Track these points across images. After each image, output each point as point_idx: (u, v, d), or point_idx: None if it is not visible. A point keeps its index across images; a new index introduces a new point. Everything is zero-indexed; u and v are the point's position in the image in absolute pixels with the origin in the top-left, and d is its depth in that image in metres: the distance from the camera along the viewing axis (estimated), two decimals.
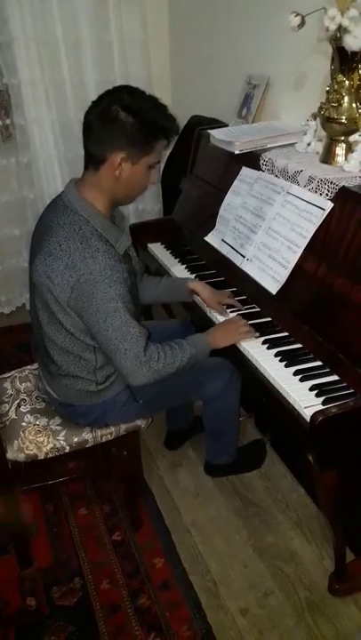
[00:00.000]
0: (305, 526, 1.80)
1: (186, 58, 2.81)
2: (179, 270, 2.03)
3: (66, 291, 1.32)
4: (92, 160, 1.35)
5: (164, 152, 2.74)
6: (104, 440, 1.61)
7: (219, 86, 2.54)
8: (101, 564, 1.72)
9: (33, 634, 1.54)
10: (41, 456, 1.55)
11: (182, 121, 2.66)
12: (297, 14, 1.53)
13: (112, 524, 1.85)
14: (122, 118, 1.29)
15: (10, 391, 1.70)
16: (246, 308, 1.71)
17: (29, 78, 2.61)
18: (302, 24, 1.54)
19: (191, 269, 2.01)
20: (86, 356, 1.47)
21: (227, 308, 1.72)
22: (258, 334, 1.55)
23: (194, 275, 1.96)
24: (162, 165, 2.95)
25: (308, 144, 1.77)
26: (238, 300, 1.74)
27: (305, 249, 1.52)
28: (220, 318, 1.70)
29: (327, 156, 1.65)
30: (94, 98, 1.36)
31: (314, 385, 1.33)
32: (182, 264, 2.06)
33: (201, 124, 2.38)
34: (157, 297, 1.81)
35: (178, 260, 2.10)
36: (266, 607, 1.58)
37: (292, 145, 1.86)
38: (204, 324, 1.73)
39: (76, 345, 1.45)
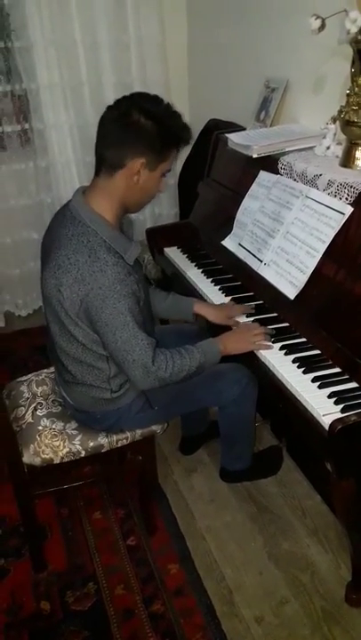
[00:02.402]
0: (321, 534, 1.78)
1: (204, 60, 2.81)
2: (195, 274, 2.02)
3: (75, 304, 1.32)
4: (107, 165, 1.34)
5: (182, 155, 2.77)
6: (120, 445, 1.61)
7: (237, 89, 2.53)
8: (116, 569, 1.71)
9: (47, 638, 1.54)
10: (57, 460, 1.55)
11: (199, 124, 2.66)
12: (317, 17, 1.52)
13: (127, 528, 1.85)
14: (143, 123, 1.29)
15: (26, 394, 1.70)
16: (258, 310, 1.69)
17: (48, 82, 2.62)
18: (323, 27, 1.53)
19: (208, 274, 2.00)
20: (99, 365, 1.47)
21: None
22: (272, 345, 1.52)
23: (210, 279, 1.95)
24: (178, 169, 2.95)
25: (328, 147, 1.75)
26: (255, 305, 1.73)
27: (324, 254, 1.51)
28: None
29: (347, 160, 1.64)
30: (112, 101, 1.35)
31: (333, 392, 1.31)
32: (198, 268, 2.05)
33: (218, 128, 2.37)
34: (162, 313, 1.80)
35: (194, 264, 2.09)
36: (281, 616, 1.56)
37: (310, 148, 1.84)
38: (220, 328, 1.72)
39: (89, 355, 1.45)
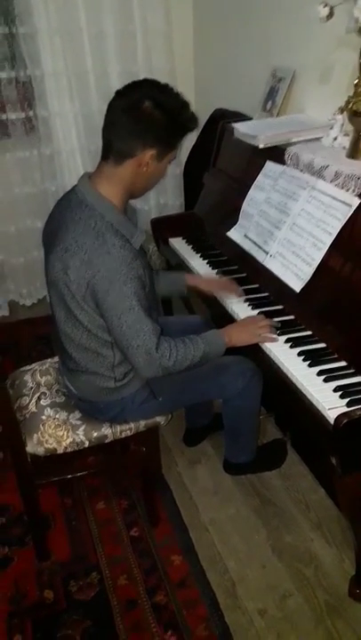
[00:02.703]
0: (325, 528, 1.78)
1: (210, 50, 2.77)
2: (200, 265, 2.00)
3: (82, 286, 1.32)
4: (116, 152, 1.33)
5: (187, 145, 2.74)
6: (123, 436, 1.61)
7: (243, 79, 2.50)
8: (119, 560, 1.72)
9: (49, 627, 1.55)
10: (60, 450, 1.55)
11: (205, 114, 2.64)
12: (326, 5, 1.50)
13: (130, 519, 1.85)
14: (155, 115, 1.28)
15: (30, 384, 1.70)
16: (263, 302, 1.68)
17: (53, 70, 2.60)
18: (331, 15, 1.51)
19: (213, 265, 1.98)
20: (104, 352, 1.47)
21: (247, 303, 1.71)
22: (278, 338, 1.51)
23: (215, 270, 1.94)
24: (183, 159, 2.92)
25: (335, 138, 1.73)
26: (260, 298, 1.72)
27: (330, 246, 1.49)
28: (241, 315, 1.67)
29: (354, 151, 1.62)
30: (117, 89, 1.34)
31: (338, 386, 1.30)
32: (203, 259, 2.04)
33: (224, 118, 2.35)
34: (157, 291, 1.77)
35: (199, 254, 2.07)
36: (284, 609, 1.56)
37: (317, 139, 1.82)
38: (225, 320, 1.71)
39: (94, 341, 1.44)
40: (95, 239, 1.29)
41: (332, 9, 1.49)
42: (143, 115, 1.28)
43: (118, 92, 1.33)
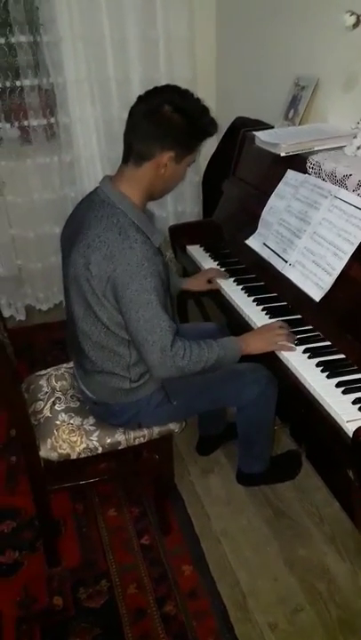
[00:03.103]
0: (339, 542, 1.74)
1: (232, 57, 2.78)
2: None
3: (103, 281, 1.33)
4: (135, 155, 1.37)
5: (207, 153, 2.74)
6: (137, 443, 1.60)
7: (265, 87, 2.49)
8: (129, 568, 1.70)
9: (58, 633, 1.54)
10: (73, 456, 1.54)
11: (226, 122, 2.63)
12: (352, 13, 1.49)
13: (141, 527, 1.83)
14: (174, 119, 1.32)
15: (45, 389, 1.70)
16: (282, 311, 1.66)
17: (75, 77, 2.62)
18: (357, 23, 1.50)
19: (230, 273, 1.97)
20: (120, 351, 1.46)
21: (260, 306, 1.71)
22: (295, 347, 1.50)
23: (233, 279, 1.92)
24: (203, 167, 2.92)
25: (358, 147, 1.72)
26: (278, 307, 1.70)
27: (351, 256, 1.47)
28: (258, 324, 1.66)
29: None
30: (139, 95, 1.37)
31: (358, 398, 1.28)
32: (221, 267, 2.02)
33: (245, 126, 2.34)
34: None
35: (217, 262, 2.06)
36: (296, 624, 1.53)
37: (340, 148, 1.80)
38: (241, 327, 1.70)
39: (111, 339, 1.44)
40: (118, 234, 1.31)
41: (358, 17, 1.49)
42: (162, 118, 1.32)
43: (140, 97, 1.37)
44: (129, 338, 1.43)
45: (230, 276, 1.95)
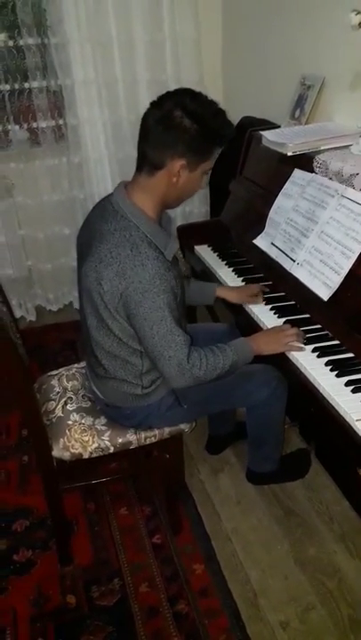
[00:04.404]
0: (349, 541, 1.75)
1: (238, 58, 2.78)
2: (225, 273, 2.00)
3: (115, 297, 1.32)
4: (148, 164, 1.33)
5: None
6: (148, 442, 1.61)
7: (271, 87, 2.50)
8: (141, 567, 1.72)
9: (72, 632, 1.55)
10: (85, 455, 1.56)
11: (233, 122, 2.62)
12: (358, 12, 1.49)
13: (152, 526, 1.85)
14: (186, 125, 1.27)
15: (57, 389, 1.71)
16: (290, 311, 1.67)
17: (83, 79, 2.63)
18: None
19: (238, 272, 1.98)
20: (133, 360, 1.47)
21: (269, 305, 1.72)
22: (305, 347, 1.50)
23: (241, 278, 1.94)
24: None
25: None
26: (287, 306, 1.71)
27: (359, 255, 1.47)
28: (266, 323, 1.66)
29: None
30: (146, 98, 1.35)
31: None
32: (229, 267, 2.03)
33: (252, 126, 2.35)
34: (186, 299, 1.77)
35: (225, 262, 2.07)
36: (307, 622, 1.54)
37: (347, 147, 1.81)
38: (250, 327, 1.70)
39: (124, 350, 1.45)
40: (130, 250, 1.29)
41: None
42: (173, 124, 1.27)
43: (152, 103, 1.32)
44: (141, 349, 1.44)
45: (238, 276, 1.96)
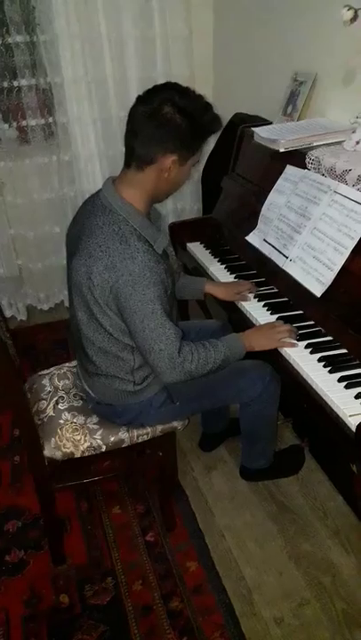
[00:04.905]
0: (343, 536, 1.75)
1: (230, 54, 2.78)
2: (218, 270, 2.00)
3: (105, 290, 1.32)
4: (137, 159, 1.32)
5: (206, 149, 2.73)
6: (140, 440, 1.60)
7: (263, 83, 2.49)
8: (134, 565, 1.71)
9: (65, 631, 1.54)
10: (77, 454, 1.55)
11: (224, 118, 2.62)
12: (350, 7, 1.49)
13: (146, 524, 1.84)
14: (177, 121, 1.26)
15: (48, 388, 1.70)
16: (283, 307, 1.67)
17: (72, 76, 2.61)
18: (355, 18, 1.50)
19: (231, 269, 1.98)
20: (124, 356, 1.46)
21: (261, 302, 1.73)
22: (297, 343, 1.50)
23: (233, 275, 1.93)
24: (202, 163, 2.92)
25: (358, 142, 1.71)
26: (280, 303, 1.71)
27: (352, 251, 1.47)
28: (259, 320, 1.66)
29: None
30: (136, 95, 1.32)
31: (360, 393, 1.29)
32: (222, 264, 2.03)
33: (244, 122, 2.34)
34: (175, 293, 1.76)
35: (217, 259, 2.07)
36: (301, 618, 1.54)
37: (339, 143, 1.80)
38: (243, 324, 1.70)
39: (115, 345, 1.44)
40: (119, 243, 1.29)
41: (356, 12, 1.49)
42: (163, 120, 1.27)
43: (139, 98, 1.31)
44: (132, 344, 1.43)
45: (231, 273, 1.95)
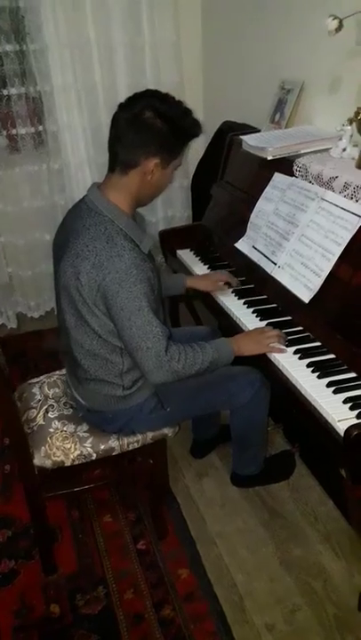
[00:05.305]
0: (334, 541, 1.75)
1: (218, 62, 2.80)
2: None
3: (93, 289, 1.33)
4: (121, 163, 1.36)
5: (195, 157, 2.75)
6: (131, 448, 1.60)
7: (251, 91, 2.51)
8: (126, 573, 1.70)
9: None
10: (67, 463, 1.54)
11: (213, 126, 2.65)
12: (335, 17, 1.51)
13: (137, 532, 1.84)
14: (158, 125, 1.31)
15: (38, 396, 1.70)
16: (272, 313, 1.67)
17: (62, 84, 2.62)
18: (340, 28, 1.52)
19: None
20: (113, 358, 1.47)
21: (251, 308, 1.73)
22: (286, 349, 1.51)
23: (223, 283, 1.94)
24: (191, 171, 2.94)
25: (344, 149, 1.73)
26: (268, 309, 1.72)
27: (339, 257, 1.49)
28: (249, 326, 1.67)
29: None
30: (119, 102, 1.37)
31: (348, 397, 1.29)
32: (211, 270, 2.03)
33: (232, 130, 2.36)
34: None
35: (207, 266, 2.08)
36: (293, 623, 1.54)
37: (326, 150, 1.82)
38: (232, 330, 1.71)
39: (103, 347, 1.44)
40: (106, 242, 1.32)
41: (341, 22, 1.51)
42: (145, 125, 1.31)
43: (121, 105, 1.36)
44: (121, 345, 1.44)
45: (221, 282, 1.96)
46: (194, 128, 1.39)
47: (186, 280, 1.89)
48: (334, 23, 1.52)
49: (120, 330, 1.38)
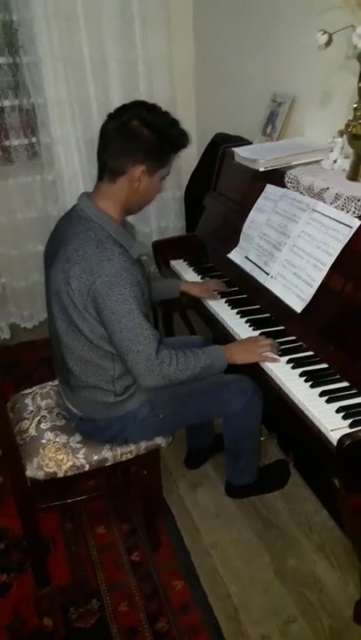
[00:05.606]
0: (329, 550, 1.75)
1: (211, 75, 2.83)
2: None
3: (83, 294, 1.34)
4: (109, 171, 1.39)
5: (188, 169, 2.77)
6: (124, 459, 1.59)
7: (243, 104, 2.54)
8: (120, 585, 1.69)
9: None
10: (60, 474, 1.53)
11: (206, 139, 2.68)
12: (324, 32, 1.53)
13: (131, 543, 1.82)
14: (144, 134, 1.34)
15: (31, 407, 1.69)
16: (265, 323, 1.68)
17: (55, 97, 2.64)
18: (330, 42, 1.54)
19: None
20: (104, 364, 1.47)
21: (244, 318, 1.74)
22: (279, 358, 1.51)
23: (216, 292, 1.95)
24: (184, 182, 2.96)
25: (335, 161, 1.76)
26: (262, 319, 1.73)
27: (331, 267, 1.50)
28: (242, 336, 1.67)
29: (354, 173, 1.64)
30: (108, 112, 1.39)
31: (341, 407, 1.30)
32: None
33: (225, 142, 2.38)
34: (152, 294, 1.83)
35: (200, 277, 2.09)
36: (288, 635, 1.53)
37: (317, 162, 1.84)
38: (225, 340, 1.71)
39: (94, 353, 1.45)
40: (95, 247, 1.34)
41: (330, 36, 1.53)
42: (132, 133, 1.34)
43: (110, 115, 1.39)
44: (112, 351, 1.44)
45: (214, 290, 1.97)
46: (181, 138, 1.41)
47: (180, 284, 1.93)
48: (324, 38, 1.54)
49: (111, 333, 1.38)
